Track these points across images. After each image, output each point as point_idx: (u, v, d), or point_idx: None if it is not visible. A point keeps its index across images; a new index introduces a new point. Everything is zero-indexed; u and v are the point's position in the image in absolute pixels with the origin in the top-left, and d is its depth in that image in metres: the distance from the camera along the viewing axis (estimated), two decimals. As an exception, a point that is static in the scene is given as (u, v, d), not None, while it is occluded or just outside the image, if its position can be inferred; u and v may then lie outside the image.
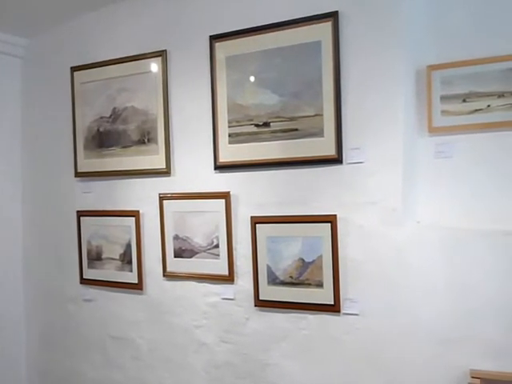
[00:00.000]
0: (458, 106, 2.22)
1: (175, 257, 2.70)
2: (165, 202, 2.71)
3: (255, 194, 2.48)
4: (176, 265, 2.70)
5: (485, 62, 2.16)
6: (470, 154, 2.22)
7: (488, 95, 2.17)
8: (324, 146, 2.27)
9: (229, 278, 2.54)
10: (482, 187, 2.20)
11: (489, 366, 2.02)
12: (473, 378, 2.00)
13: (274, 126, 2.39)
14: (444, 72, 2.23)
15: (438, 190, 2.28)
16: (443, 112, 2.25)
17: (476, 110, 2.19)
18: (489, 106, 2.17)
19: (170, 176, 2.72)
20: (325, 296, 2.29)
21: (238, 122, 2.48)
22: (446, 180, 2.26)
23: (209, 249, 2.59)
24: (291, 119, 2.35)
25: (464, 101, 2.21)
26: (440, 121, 2.25)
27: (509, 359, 1.99)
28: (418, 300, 2.14)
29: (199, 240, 2.62)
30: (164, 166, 2.71)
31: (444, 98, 2.24)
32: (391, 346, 2.19)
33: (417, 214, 2.29)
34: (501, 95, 2.15)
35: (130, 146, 2.82)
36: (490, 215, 2.17)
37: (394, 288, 2.18)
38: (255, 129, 2.43)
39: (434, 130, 2.27)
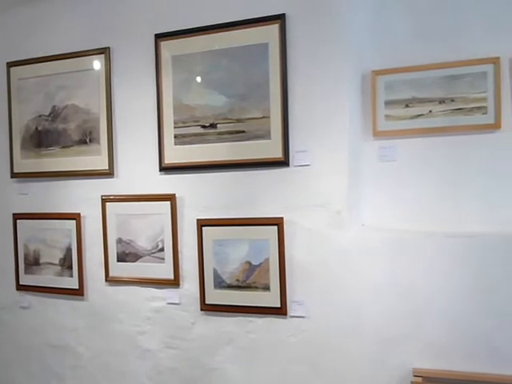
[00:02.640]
0: (400, 111, 2.28)
1: (118, 261, 2.62)
2: (107, 204, 2.62)
3: (201, 196, 2.44)
4: (119, 269, 2.62)
5: (426, 68, 2.23)
6: (413, 157, 2.29)
7: (429, 101, 2.24)
8: (271, 149, 2.27)
9: (174, 282, 2.49)
10: (423, 190, 2.27)
11: (431, 364, 2.07)
12: (415, 376, 2.05)
13: (221, 128, 2.36)
14: (388, 77, 2.29)
15: (381, 193, 2.33)
16: (387, 116, 2.30)
17: (418, 115, 2.25)
18: (430, 111, 2.23)
19: (112, 177, 2.63)
20: (271, 299, 2.29)
21: (184, 122, 2.43)
22: (390, 183, 2.32)
23: (153, 252, 2.53)
24: (238, 121, 2.33)
25: (407, 106, 2.27)
26: (384, 125, 2.30)
27: (450, 358, 2.06)
28: (363, 301, 2.17)
29: (143, 243, 2.55)
30: (107, 167, 2.62)
31: (388, 103, 2.29)
32: (336, 347, 2.22)
33: (362, 217, 2.33)
34: (442, 101, 2.22)
35: (71, 146, 2.71)
36: (432, 217, 2.25)
37: (340, 290, 2.20)
38: (202, 130, 2.40)
39: (378, 134, 2.31)
